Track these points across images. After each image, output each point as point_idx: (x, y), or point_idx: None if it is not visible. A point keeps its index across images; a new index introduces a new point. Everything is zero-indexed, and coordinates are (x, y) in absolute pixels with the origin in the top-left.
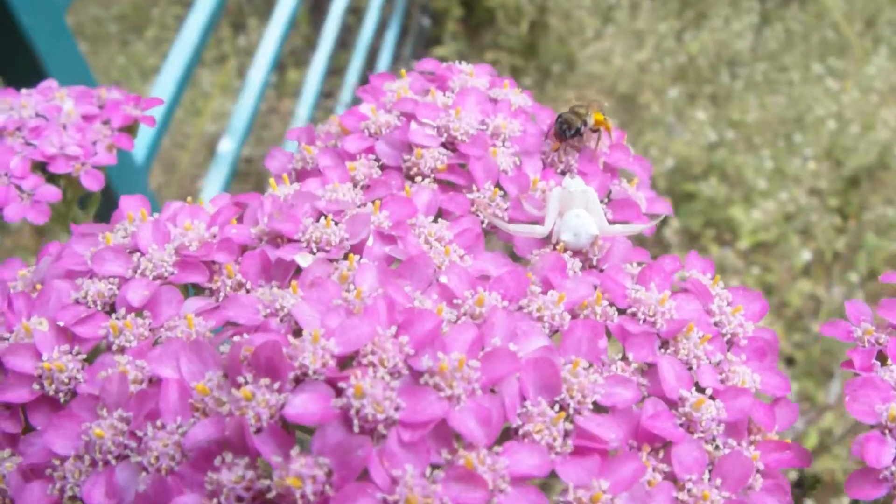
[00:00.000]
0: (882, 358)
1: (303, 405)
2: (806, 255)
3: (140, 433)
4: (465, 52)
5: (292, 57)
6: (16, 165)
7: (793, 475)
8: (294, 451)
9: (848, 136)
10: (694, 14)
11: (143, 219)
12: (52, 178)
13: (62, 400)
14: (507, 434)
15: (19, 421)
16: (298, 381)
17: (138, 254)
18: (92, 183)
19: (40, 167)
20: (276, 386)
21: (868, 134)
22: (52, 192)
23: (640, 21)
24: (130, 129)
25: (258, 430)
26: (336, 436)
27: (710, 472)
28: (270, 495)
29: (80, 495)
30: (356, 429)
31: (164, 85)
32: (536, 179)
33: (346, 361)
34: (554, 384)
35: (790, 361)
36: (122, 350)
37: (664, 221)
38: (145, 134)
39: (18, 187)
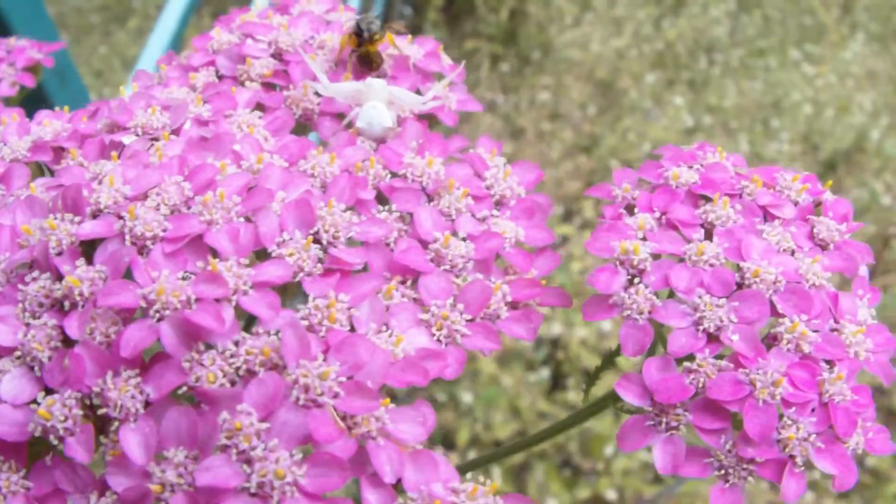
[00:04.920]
0: (630, 209)
1: (91, 227)
2: None
3: None
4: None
5: None
6: None
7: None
8: (80, 262)
9: (824, 120)
10: (672, 1)
11: (14, 120)
12: None
13: None
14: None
15: None
16: (95, 215)
17: (1, 144)
18: None
19: None
20: (77, 219)
21: (844, 118)
22: None
23: (618, 8)
24: (34, 69)
25: (59, 253)
26: (112, 248)
27: (454, 299)
28: (58, 295)
29: None
30: (128, 243)
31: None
32: (347, 76)
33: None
34: (309, 219)
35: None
36: None
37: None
38: None
39: None
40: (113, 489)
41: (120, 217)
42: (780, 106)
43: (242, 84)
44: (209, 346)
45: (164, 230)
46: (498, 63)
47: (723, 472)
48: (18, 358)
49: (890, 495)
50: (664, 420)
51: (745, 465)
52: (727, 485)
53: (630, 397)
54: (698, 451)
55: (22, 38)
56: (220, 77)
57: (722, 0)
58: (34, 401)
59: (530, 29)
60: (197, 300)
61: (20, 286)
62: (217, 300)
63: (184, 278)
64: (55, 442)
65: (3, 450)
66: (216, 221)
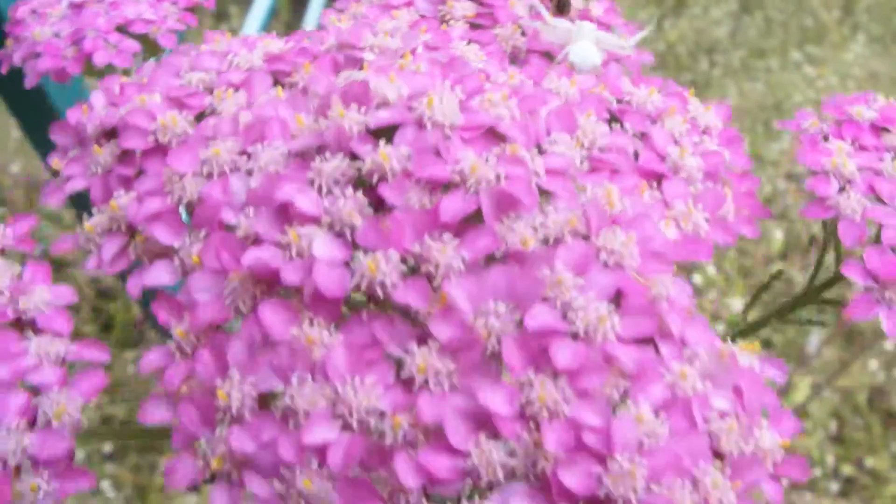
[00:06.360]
0: (826, 138)
1: (389, 115)
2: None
3: (251, 150)
4: None
5: None
6: (102, 24)
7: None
8: (381, 143)
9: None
10: (673, 2)
11: (229, 38)
12: None
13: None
14: None
15: (134, 166)
16: (380, 108)
17: (232, 55)
18: (168, 42)
19: (121, 29)
20: (363, 109)
21: None
22: (134, 45)
23: (619, 8)
24: (193, 10)
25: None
26: (413, 133)
27: (693, 202)
28: (364, 170)
29: (200, 195)
30: (429, 128)
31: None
32: (549, 18)
33: None
34: (571, 126)
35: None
36: None
37: None
38: None
39: (105, 40)
40: (436, 337)
41: (410, 109)
42: (781, 107)
43: (447, 23)
44: (517, 218)
45: (458, 118)
46: None
47: None
48: (327, 224)
49: (889, 496)
50: (887, 293)
51: None
52: None
53: (856, 276)
54: None
55: None
56: (421, 17)
57: (723, 1)
58: (348, 264)
59: None
60: (506, 177)
61: (312, 165)
62: None
63: (485, 158)
64: (380, 294)
65: (317, 305)
66: (502, 116)
